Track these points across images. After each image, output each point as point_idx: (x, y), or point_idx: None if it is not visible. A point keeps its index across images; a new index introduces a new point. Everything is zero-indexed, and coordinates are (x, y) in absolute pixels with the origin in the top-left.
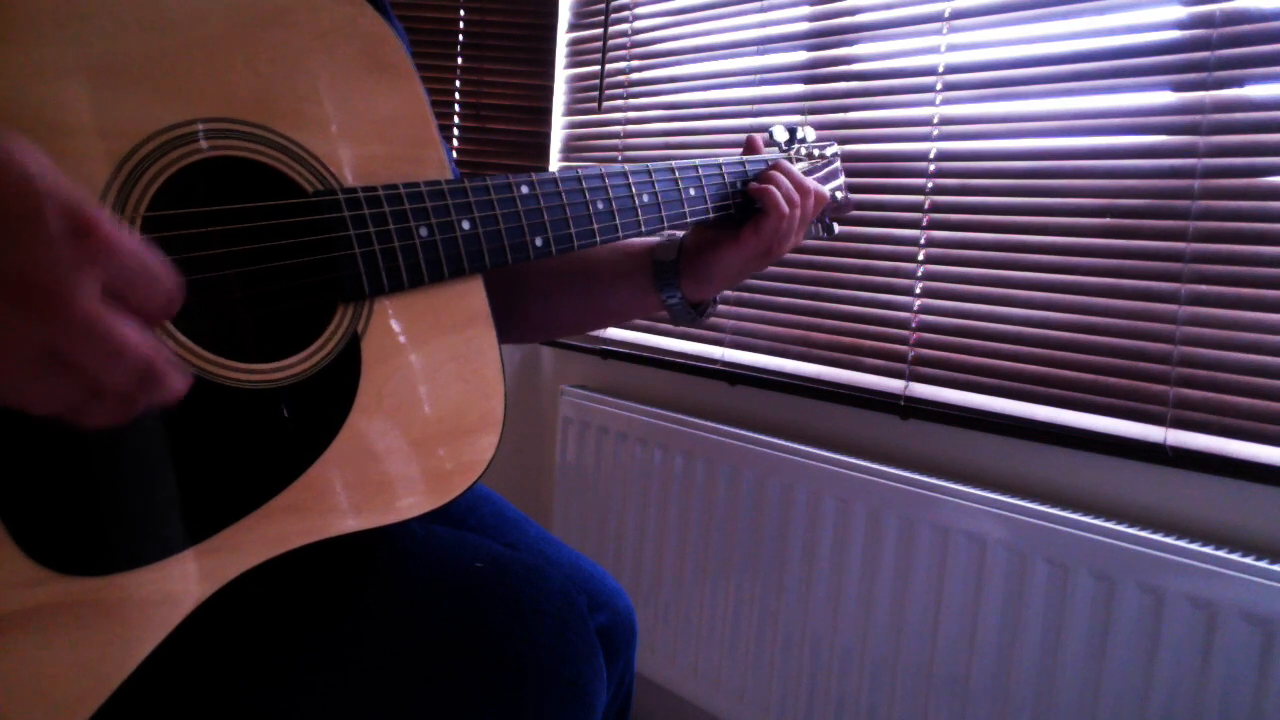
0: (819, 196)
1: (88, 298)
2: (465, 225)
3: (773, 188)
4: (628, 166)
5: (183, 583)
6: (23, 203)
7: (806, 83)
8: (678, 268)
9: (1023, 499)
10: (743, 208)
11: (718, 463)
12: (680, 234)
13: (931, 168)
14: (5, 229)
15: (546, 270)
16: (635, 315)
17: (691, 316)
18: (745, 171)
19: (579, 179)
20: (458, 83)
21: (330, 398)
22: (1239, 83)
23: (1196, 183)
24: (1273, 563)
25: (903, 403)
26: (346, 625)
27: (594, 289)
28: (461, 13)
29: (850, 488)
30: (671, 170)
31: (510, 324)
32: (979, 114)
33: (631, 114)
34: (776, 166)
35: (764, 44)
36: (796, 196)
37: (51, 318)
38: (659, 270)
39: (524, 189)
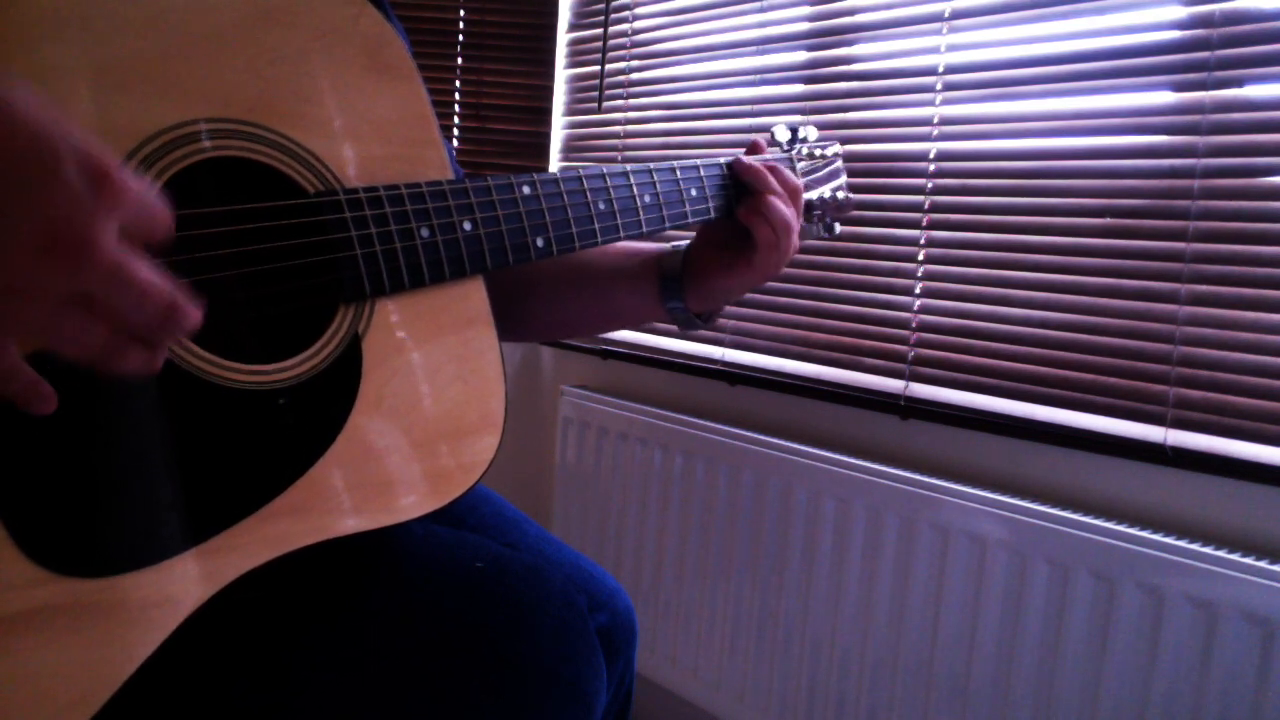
0: (809, 203)
1: (111, 242)
2: (466, 225)
3: (763, 223)
4: (629, 166)
5: (183, 584)
6: (40, 154)
7: (806, 83)
8: (681, 283)
9: (1023, 499)
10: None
11: (718, 463)
12: (684, 242)
13: (931, 168)
14: (25, 181)
15: (548, 271)
16: (637, 321)
17: (695, 324)
18: None
19: (580, 179)
20: (458, 83)
21: (331, 398)
22: (1239, 83)
23: (1196, 183)
24: (1273, 563)
25: (903, 403)
26: (346, 625)
27: (596, 291)
28: (461, 13)
29: (850, 488)
30: (673, 170)
31: (511, 325)
32: (979, 114)
33: (631, 114)
34: (767, 190)
35: (764, 44)
36: (791, 222)
37: (81, 265)
38: (664, 282)
39: (525, 189)
